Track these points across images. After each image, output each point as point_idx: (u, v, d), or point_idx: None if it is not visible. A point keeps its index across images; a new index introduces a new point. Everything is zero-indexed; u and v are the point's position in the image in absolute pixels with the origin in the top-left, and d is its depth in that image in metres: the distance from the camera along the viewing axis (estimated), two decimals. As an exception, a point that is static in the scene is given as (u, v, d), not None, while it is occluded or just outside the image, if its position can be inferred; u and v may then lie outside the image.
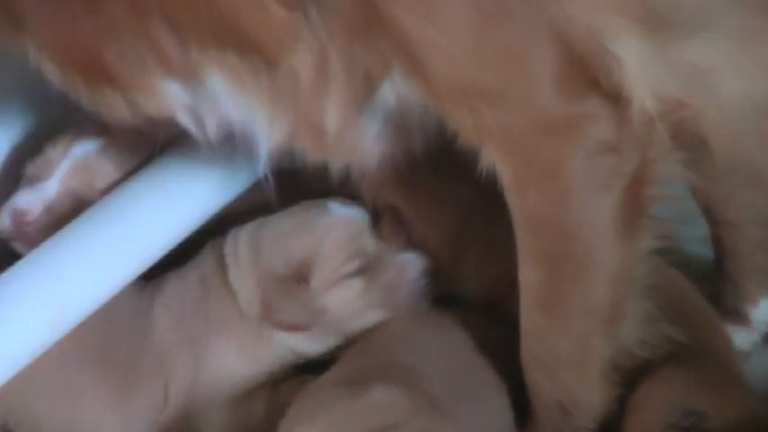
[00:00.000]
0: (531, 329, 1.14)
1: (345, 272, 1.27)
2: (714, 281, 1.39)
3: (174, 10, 0.97)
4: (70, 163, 1.33)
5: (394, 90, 1.03)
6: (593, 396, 1.16)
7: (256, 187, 1.28)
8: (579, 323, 1.13)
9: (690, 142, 1.11)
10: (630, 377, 1.16)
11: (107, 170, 1.35)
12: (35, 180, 1.33)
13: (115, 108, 1.05)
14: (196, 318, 1.32)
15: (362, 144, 1.10)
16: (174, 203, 1.27)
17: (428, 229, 1.31)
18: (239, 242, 1.32)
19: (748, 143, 1.14)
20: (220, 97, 1.05)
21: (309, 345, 1.29)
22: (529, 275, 1.11)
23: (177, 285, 1.35)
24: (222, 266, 1.32)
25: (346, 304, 1.27)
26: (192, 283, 1.35)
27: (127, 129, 1.19)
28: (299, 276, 1.27)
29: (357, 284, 1.27)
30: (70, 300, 1.20)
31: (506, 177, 1.06)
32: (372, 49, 0.99)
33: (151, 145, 1.31)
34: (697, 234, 1.43)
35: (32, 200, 1.32)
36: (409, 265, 1.29)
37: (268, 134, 1.08)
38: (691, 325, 1.21)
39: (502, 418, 1.21)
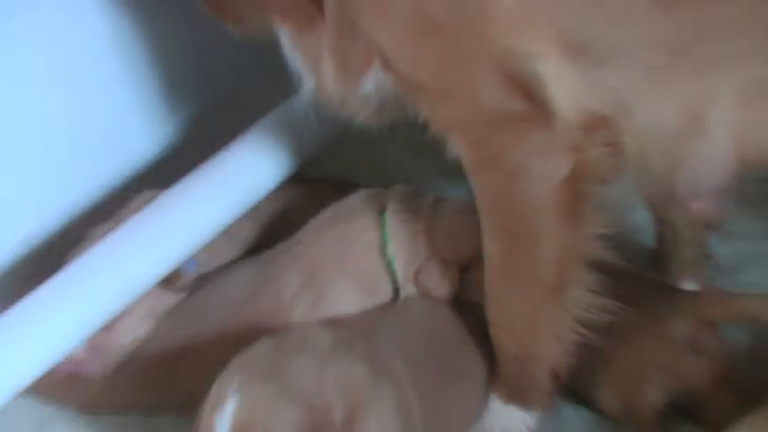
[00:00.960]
0: (492, 293, 1.40)
1: None
2: (651, 266, 1.64)
3: None
4: None
5: (377, 79, 1.32)
6: (543, 351, 1.40)
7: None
8: (530, 289, 1.38)
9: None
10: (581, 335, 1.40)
11: None
12: None
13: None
14: (328, 264, 1.55)
15: (357, 106, 1.40)
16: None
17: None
18: (416, 211, 1.55)
19: (659, 163, 1.31)
20: (287, 49, 1.40)
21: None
22: (489, 247, 1.36)
23: (314, 237, 1.58)
24: (378, 225, 1.55)
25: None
26: (334, 236, 1.57)
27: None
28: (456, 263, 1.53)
29: None
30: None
31: (465, 161, 1.31)
32: (357, 47, 1.30)
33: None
34: (641, 224, 1.70)
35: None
36: None
37: (306, 83, 1.42)
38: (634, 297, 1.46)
39: (482, 388, 1.47)
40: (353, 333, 1.38)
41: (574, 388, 1.50)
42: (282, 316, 1.54)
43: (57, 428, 1.61)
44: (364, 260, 1.54)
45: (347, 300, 1.54)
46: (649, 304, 1.46)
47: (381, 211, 1.57)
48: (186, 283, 1.62)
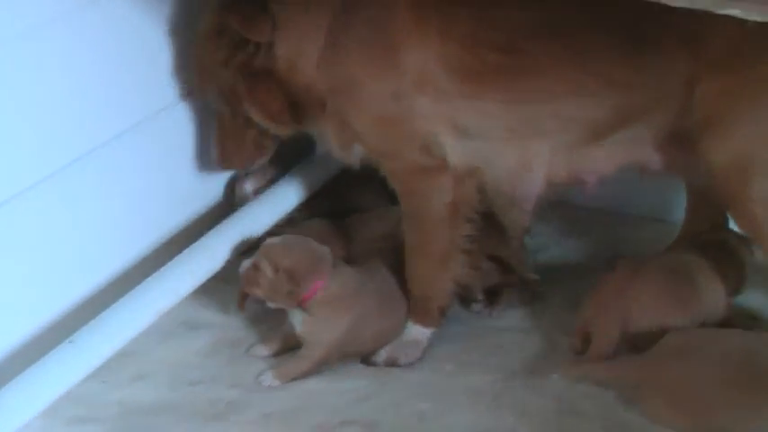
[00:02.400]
0: (408, 263, 2.34)
1: None
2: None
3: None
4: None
5: (357, 148, 2.30)
6: (435, 295, 2.36)
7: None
8: (428, 261, 2.33)
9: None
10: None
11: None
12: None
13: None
14: None
15: (349, 158, 2.35)
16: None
17: None
18: None
19: (506, 188, 2.29)
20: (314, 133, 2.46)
21: None
22: (407, 238, 2.33)
23: None
24: None
25: None
26: None
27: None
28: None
29: None
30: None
31: (397, 191, 2.31)
32: (347, 132, 2.27)
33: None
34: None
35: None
36: None
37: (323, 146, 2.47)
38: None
39: (404, 315, 2.39)
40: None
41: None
42: None
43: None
44: None
45: None
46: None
47: None
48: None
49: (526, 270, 2.53)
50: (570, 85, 2.19)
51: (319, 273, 2.26)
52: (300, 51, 2.26)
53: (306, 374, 2.29)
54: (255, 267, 2.25)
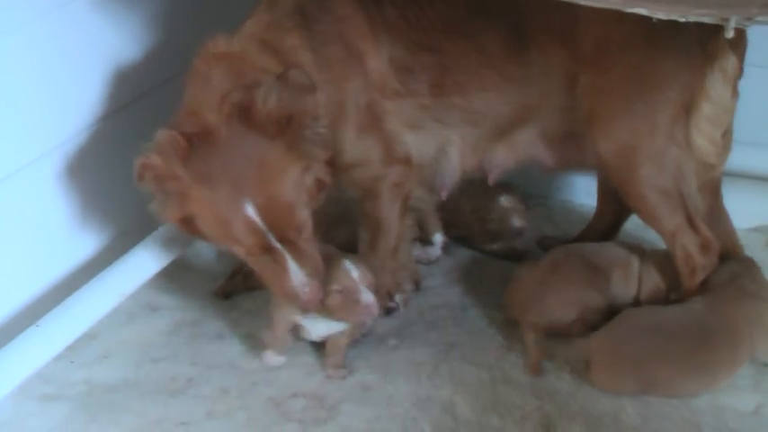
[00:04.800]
0: (363, 253, 2.48)
1: None
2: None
3: None
4: None
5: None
6: (386, 278, 2.51)
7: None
8: (381, 251, 2.48)
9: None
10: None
11: None
12: None
13: None
14: None
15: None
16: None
17: None
18: None
19: (428, 173, 2.46)
20: None
21: None
22: (362, 234, 2.48)
23: None
24: None
25: None
26: None
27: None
28: None
29: None
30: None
31: (359, 196, 2.42)
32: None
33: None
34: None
35: None
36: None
37: None
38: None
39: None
40: None
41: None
42: None
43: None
44: None
45: None
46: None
47: None
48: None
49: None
50: (479, 81, 2.35)
51: None
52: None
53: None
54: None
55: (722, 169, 2.44)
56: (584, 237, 2.73)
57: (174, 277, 2.69)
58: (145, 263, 2.48)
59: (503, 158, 2.48)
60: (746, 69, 2.34)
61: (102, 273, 2.41)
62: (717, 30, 2.10)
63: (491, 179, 2.53)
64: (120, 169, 2.20)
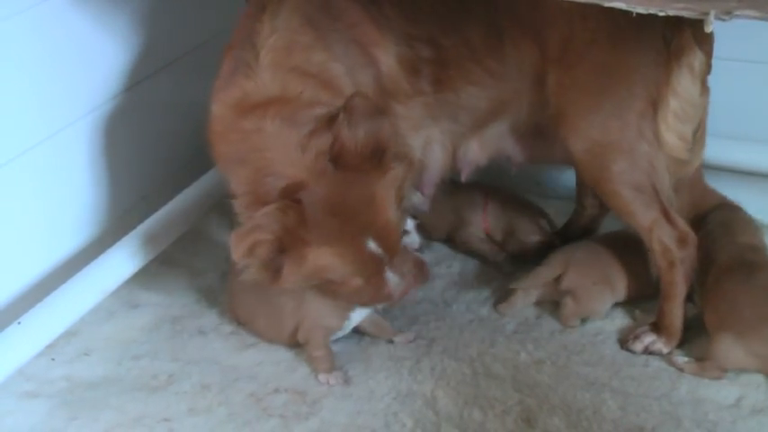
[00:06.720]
0: None
1: None
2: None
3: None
4: None
5: None
6: None
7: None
8: None
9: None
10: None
11: None
12: None
13: None
14: None
15: None
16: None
17: None
18: None
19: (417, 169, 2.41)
20: None
21: None
22: None
23: None
24: None
25: None
26: None
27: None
28: None
29: None
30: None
31: None
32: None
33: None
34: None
35: None
36: None
37: None
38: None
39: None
40: None
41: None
42: None
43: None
44: None
45: None
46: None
47: None
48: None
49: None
50: (467, 75, 2.34)
51: None
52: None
53: None
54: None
55: (697, 165, 2.45)
56: (564, 233, 2.73)
57: (155, 274, 2.69)
58: (125, 260, 2.48)
59: (476, 154, 2.48)
60: (747, 66, 2.37)
61: (82, 270, 2.41)
62: (681, 26, 2.20)
63: (464, 176, 2.53)
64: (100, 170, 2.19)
